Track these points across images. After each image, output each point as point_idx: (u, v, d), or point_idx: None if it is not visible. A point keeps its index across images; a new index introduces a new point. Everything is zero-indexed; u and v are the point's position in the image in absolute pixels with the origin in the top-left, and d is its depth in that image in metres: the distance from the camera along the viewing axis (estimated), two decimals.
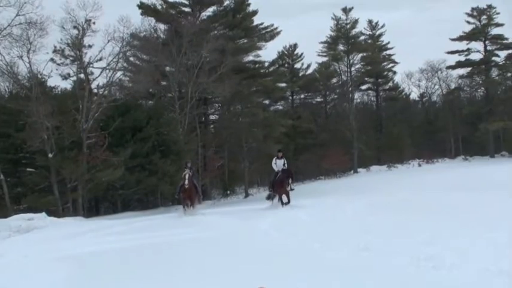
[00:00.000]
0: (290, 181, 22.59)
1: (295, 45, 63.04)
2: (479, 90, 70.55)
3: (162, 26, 48.70)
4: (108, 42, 36.66)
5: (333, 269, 9.07)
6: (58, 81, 37.78)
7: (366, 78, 67.55)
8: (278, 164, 23.12)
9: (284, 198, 22.84)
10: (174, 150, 39.27)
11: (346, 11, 63.62)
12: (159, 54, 42.14)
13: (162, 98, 46.78)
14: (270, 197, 23.95)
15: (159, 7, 48.97)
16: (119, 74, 40.26)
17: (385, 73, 69.31)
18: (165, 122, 40.21)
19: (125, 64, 42.50)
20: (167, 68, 45.29)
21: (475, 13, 66.75)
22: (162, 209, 37.14)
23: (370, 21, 68.79)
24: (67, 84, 39.27)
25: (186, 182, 22.40)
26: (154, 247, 13.19)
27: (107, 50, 37.03)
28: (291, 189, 22.81)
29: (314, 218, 16.74)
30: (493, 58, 67.24)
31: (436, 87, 72.85)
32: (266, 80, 52.93)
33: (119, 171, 34.42)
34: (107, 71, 37.50)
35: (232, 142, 49.73)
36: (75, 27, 35.83)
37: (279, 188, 22.72)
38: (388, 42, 69.25)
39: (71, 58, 37.09)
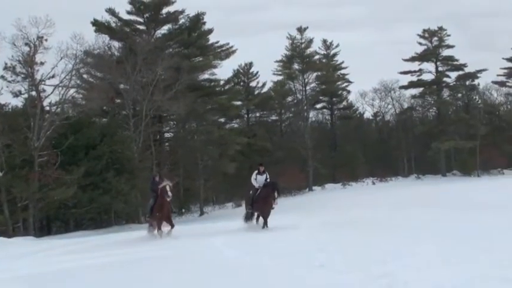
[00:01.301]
0: (276, 195, 19.25)
1: (250, 64, 63.52)
2: (431, 110, 72.08)
3: (116, 44, 48.63)
4: (61, 59, 36.38)
5: (288, 287, 9.13)
6: (9, 98, 37.02)
7: (321, 97, 68.39)
8: (259, 180, 20.11)
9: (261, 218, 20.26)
10: (128, 168, 38.99)
11: (301, 30, 64.53)
12: (113, 71, 41.96)
13: (116, 115, 46.42)
14: (248, 217, 20.66)
15: (113, 24, 48.86)
16: (71, 91, 39.92)
17: (340, 92, 70.25)
18: (119, 140, 39.89)
19: (78, 81, 42.23)
20: (121, 86, 45.09)
21: (426, 34, 68.46)
22: (115, 228, 36.66)
23: (324, 41, 69.82)
24: (18, 102, 38.65)
25: (169, 195, 19.00)
26: (107, 266, 13.04)
27: (60, 67, 36.72)
28: (273, 207, 19.49)
29: (268, 236, 16.81)
30: (444, 79, 69.06)
31: (390, 106, 74.13)
32: (221, 98, 53.20)
33: (72, 190, 33.97)
34: (60, 88, 37.17)
35: (188, 160, 49.61)
36: (26, 44, 35.45)
37: (261, 204, 19.54)
38: (343, 62, 70.42)
39: (22, 75, 36.63)
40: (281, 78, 65.64)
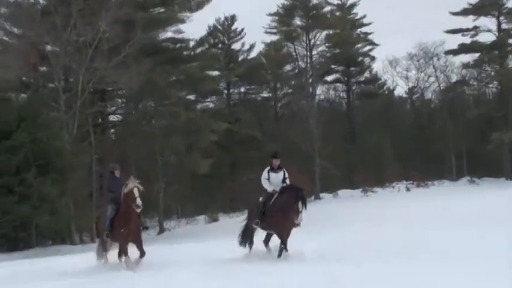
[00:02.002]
0: (301, 208, 16.97)
1: (233, 18, 63.82)
2: (490, 86, 72.70)
3: None
4: None
5: None
6: None
7: (333, 66, 68.92)
8: (273, 180, 18.17)
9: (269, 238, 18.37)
10: (57, 165, 39.05)
11: None
12: (36, 26, 42.01)
13: (40, 89, 46.53)
14: (247, 237, 18.76)
15: None
16: None
17: (360, 59, 70.78)
18: (43, 125, 39.84)
19: None
20: (48, 47, 45.20)
21: None
22: (37, 251, 36.89)
23: None
24: None
25: (139, 203, 17.07)
26: None
27: None
28: (298, 225, 17.19)
29: (256, 265, 16.94)
30: (510, 40, 69.45)
31: (431, 79, 74.75)
32: (191, 66, 53.34)
33: None
34: None
35: (142, 154, 49.85)
36: None
37: (278, 219, 17.21)
38: (364, 16, 70.91)
39: None
40: (276, 38, 65.98)
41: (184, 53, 54.77)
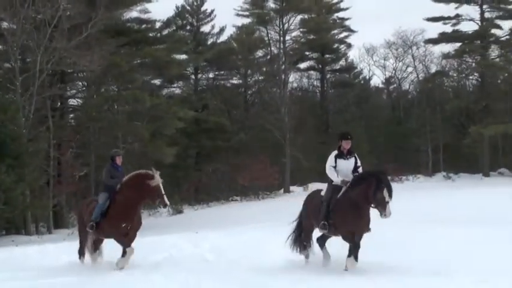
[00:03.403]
0: (388, 197, 13.77)
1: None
2: (471, 77, 73.25)
3: None
4: None
5: None
6: None
7: (307, 53, 69.06)
8: (343, 168, 14.91)
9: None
10: (12, 150, 38.74)
11: None
12: None
13: None
14: (305, 244, 15.86)
15: None
16: None
17: (336, 46, 70.97)
18: None
19: None
20: (4, 24, 44.88)
21: None
22: None
23: None
24: None
25: (167, 201, 16.28)
26: None
27: None
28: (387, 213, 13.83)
29: (223, 259, 16.97)
30: (493, 30, 69.87)
31: (410, 69, 75.30)
32: (157, 49, 53.31)
33: None
34: None
35: (103, 141, 49.68)
36: None
37: (351, 218, 14.25)
38: (342, 1, 70.96)
39: None
40: (248, 21, 66.02)
41: (150, 34, 54.88)
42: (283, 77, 64.32)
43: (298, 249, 15.84)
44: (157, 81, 57.68)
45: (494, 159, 67.47)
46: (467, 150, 67.26)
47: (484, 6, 69.15)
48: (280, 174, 59.12)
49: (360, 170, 14.85)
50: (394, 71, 75.93)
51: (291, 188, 59.13)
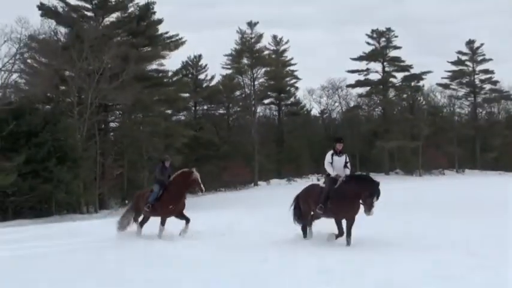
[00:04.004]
0: (374, 199, 12.61)
1: (199, 56, 63.39)
2: (376, 109, 73.57)
3: (62, 29, 47.70)
4: (5, 42, 35.66)
5: (233, 280, 9.18)
6: None
7: (269, 93, 68.83)
8: (336, 164, 13.74)
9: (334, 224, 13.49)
10: (71, 157, 38.32)
11: (251, 25, 64.75)
12: (58, 57, 41.16)
13: (60, 102, 45.51)
14: (304, 224, 14.38)
15: (60, 9, 47.86)
16: (14, 76, 39.13)
17: (288, 88, 70.78)
18: (62, 128, 39.14)
19: (21, 66, 41.28)
20: (67, 73, 44.29)
21: (374, 35, 69.85)
22: (56, 218, 36.08)
23: (274, 37, 70.12)
24: None
25: (203, 187, 16.05)
26: (49, 256, 12.88)
27: (3, 51, 36.05)
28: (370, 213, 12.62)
29: (212, 230, 16.60)
30: (390, 79, 70.58)
31: (336, 104, 75.33)
32: (169, 90, 52.99)
33: (11, 177, 33.28)
34: (2, 72, 36.29)
35: (132, 151, 49.13)
36: None
37: (345, 206, 13.01)
38: (292, 59, 70.80)
39: None
40: (230, 72, 65.76)
41: (165, 80, 54.26)
42: (253, 108, 64.22)
43: (297, 221, 14.41)
44: (169, 111, 56.97)
45: (392, 163, 67.67)
46: (374, 157, 67.34)
47: (385, 63, 69.89)
48: (251, 173, 58.87)
49: (349, 165, 13.75)
50: (326, 105, 75.98)
51: (259, 182, 58.94)
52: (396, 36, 69.69)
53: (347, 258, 10.85)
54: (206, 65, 63.81)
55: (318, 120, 78.61)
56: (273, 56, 69.49)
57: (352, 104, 73.71)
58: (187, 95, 59.78)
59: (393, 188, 38.32)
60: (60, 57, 41.26)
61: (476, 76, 73.47)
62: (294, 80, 71.36)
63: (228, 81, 64.71)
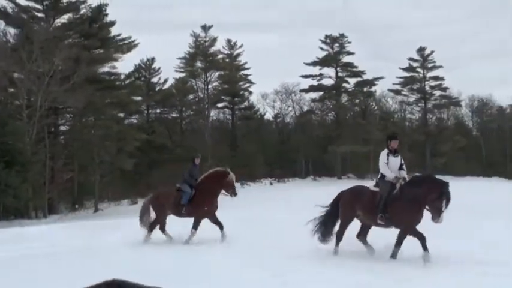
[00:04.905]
0: (444, 207, 10.85)
1: (152, 59, 63.03)
2: (329, 114, 74.26)
3: (12, 30, 46.99)
4: None
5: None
6: None
7: (223, 97, 68.88)
8: (392, 165, 12.01)
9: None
10: (19, 160, 37.67)
11: (205, 28, 64.71)
12: (7, 59, 40.51)
13: (8, 105, 44.79)
14: (331, 235, 12.72)
15: (10, 10, 47.12)
16: None
17: (241, 92, 70.96)
18: (10, 131, 38.48)
19: None
20: (16, 75, 43.52)
21: (328, 40, 70.63)
22: (4, 223, 35.48)
23: (228, 41, 70.27)
24: None
25: (237, 191, 15.44)
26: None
27: None
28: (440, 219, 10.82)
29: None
30: (343, 84, 71.38)
31: (290, 108, 75.81)
32: (121, 93, 52.63)
33: None
34: None
35: (83, 154, 48.59)
36: None
37: (408, 214, 11.29)
38: (246, 63, 71.06)
39: None
40: (183, 75, 65.62)
41: (117, 83, 53.91)
42: (206, 112, 64.20)
43: (321, 236, 12.62)
44: (121, 114, 56.51)
45: (344, 168, 68.52)
46: (327, 162, 68.09)
47: (338, 69, 70.65)
48: None
49: (404, 167, 11.98)
50: (280, 110, 76.38)
51: None
52: (349, 42, 70.72)
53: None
54: (159, 68, 63.62)
55: (272, 124, 78.99)
56: (227, 59, 69.65)
57: (305, 108, 74.39)
58: (139, 98, 59.49)
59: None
60: (9, 58, 40.66)
61: (426, 82, 75.09)
62: (247, 84, 71.65)
63: (182, 85, 64.56)
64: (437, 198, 10.74)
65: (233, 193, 15.14)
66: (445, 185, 10.91)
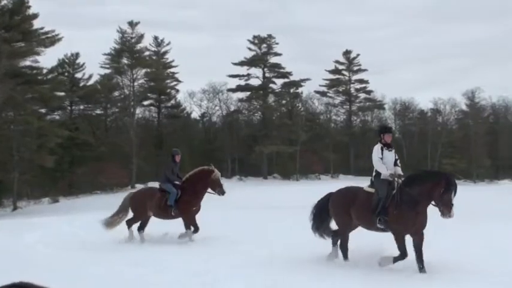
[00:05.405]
0: (452, 199, 9.82)
1: (77, 54, 61.89)
2: (256, 114, 74.88)
3: None
4: None
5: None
6: None
7: (149, 94, 68.24)
8: (387, 160, 10.86)
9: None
10: None
11: (132, 25, 63.88)
12: None
13: None
14: (334, 236, 11.52)
15: None
16: None
17: (168, 90, 70.52)
18: None
19: None
20: None
21: (256, 41, 71.19)
22: None
23: (156, 38, 69.67)
24: None
25: (225, 189, 14.95)
26: None
27: None
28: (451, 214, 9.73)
29: (87, 231, 16.60)
30: (270, 85, 72.20)
31: (217, 108, 75.90)
32: (43, 87, 51.32)
33: None
34: None
35: (2, 151, 47.11)
36: None
37: (409, 217, 10.19)
38: (173, 61, 70.66)
39: None
40: (109, 71, 64.60)
41: (39, 77, 52.47)
42: (132, 110, 63.50)
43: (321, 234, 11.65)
44: (43, 110, 55.13)
45: (270, 168, 69.20)
46: (253, 162, 68.56)
47: (265, 69, 71.41)
48: (129, 175, 58.19)
49: (399, 163, 10.88)
50: (207, 109, 76.33)
51: (136, 185, 58.24)
52: (277, 43, 71.55)
53: None
54: (84, 64, 62.48)
55: (198, 123, 78.89)
56: (154, 57, 69.06)
57: (232, 108, 74.72)
58: (62, 93, 58.25)
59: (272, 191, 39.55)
60: None
61: (352, 85, 76.97)
62: (174, 82, 71.30)
63: (107, 81, 63.58)
64: (445, 191, 9.69)
65: (220, 192, 14.73)
66: (450, 175, 10.15)
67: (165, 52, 70.43)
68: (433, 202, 9.91)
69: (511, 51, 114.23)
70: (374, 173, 10.73)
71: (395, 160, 10.80)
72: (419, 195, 9.94)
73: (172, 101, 72.36)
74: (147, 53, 67.06)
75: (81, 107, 64.74)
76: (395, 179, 10.40)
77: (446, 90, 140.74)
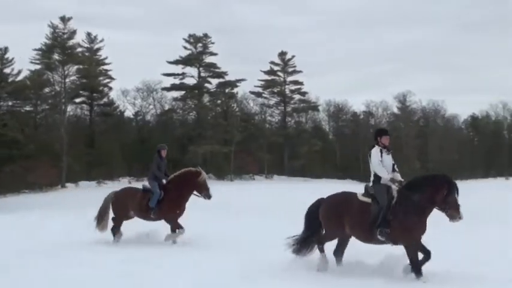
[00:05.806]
0: (458, 200, 9.54)
1: (6, 49, 60.28)
2: (191, 114, 74.71)
3: None
4: None
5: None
6: None
7: (81, 91, 67.08)
8: (386, 163, 10.19)
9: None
10: None
11: (64, 20, 62.63)
12: None
13: None
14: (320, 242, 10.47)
15: None
16: None
17: (101, 88, 69.48)
18: None
19: None
20: None
21: (192, 40, 71.02)
22: None
23: (89, 34, 68.51)
24: None
25: (211, 193, 13.99)
26: None
27: None
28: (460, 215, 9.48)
29: (20, 232, 16.20)
30: (206, 84, 72.22)
31: (151, 106, 75.29)
32: None
33: None
34: None
35: None
36: None
37: (414, 226, 9.66)
38: (106, 58, 69.65)
39: None
40: (39, 67, 63.04)
41: None
42: (63, 107, 62.35)
43: (301, 250, 10.51)
44: None
45: (205, 168, 68.41)
46: (188, 162, 68.17)
47: (201, 69, 71.46)
48: (58, 174, 57.04)
49: (396, 168, 10.28)
50: (140, 107, 75.56)
51: (67, 184, 57.28)
52: (213, 43, 71.66)
53: None
54: (13, 59, 60.94)
55: (132, 122, 78.00)
56: (87, 53, 67.87)
57: (166, 107, 74.31)
58: None
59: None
60: None
61: (286, 86, 77.75)
62: (107, 80, 70.27)
63: (37, 77, 62.08)
64: (448, 193, 9.38)
65: (207, 195, 13.91)
66: (447, 176, 9.70)
67: (98, 49, 69.40)
68: (438, 207, 9.54)
69: (443, 56, 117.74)
70: (373, 178, 10.10)
71: (393, 165, 10.25)
72: (421, 202, 9.54)
73: (105, 99, 71.36)
74: (79, 49, 65.99)
75: (10, 103, 63.05)
76: (396, 184, 9.89)
77: (379, 93, 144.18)
